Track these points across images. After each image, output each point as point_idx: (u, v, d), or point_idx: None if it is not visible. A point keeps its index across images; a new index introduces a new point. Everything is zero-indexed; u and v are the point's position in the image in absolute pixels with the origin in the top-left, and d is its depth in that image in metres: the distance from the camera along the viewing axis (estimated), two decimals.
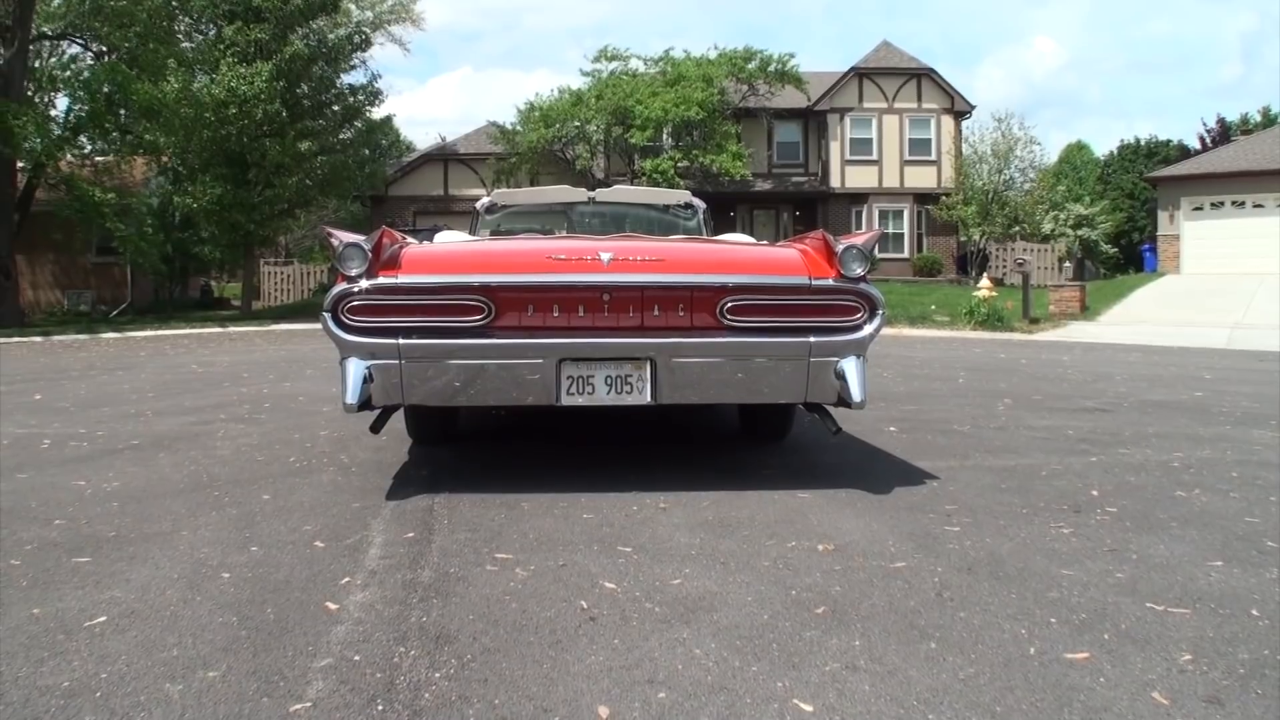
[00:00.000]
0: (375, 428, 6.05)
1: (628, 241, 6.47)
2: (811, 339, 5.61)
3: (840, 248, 5.58)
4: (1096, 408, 9.51)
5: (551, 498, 5.69)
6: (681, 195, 9.75)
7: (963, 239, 42.90)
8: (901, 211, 43.94)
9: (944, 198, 41.09)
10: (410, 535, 4.96)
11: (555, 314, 5.64)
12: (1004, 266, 40.50)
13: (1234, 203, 36.68)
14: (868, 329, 5.64)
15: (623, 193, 10.08)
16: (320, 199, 34.82)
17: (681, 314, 5.65)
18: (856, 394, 5.62)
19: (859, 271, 5.59)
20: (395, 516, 5.34)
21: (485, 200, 9.72)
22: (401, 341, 5.50)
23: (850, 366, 5.64)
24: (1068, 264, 31.77)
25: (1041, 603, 3.95)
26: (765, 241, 7.19)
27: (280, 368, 14.21)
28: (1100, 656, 3.42)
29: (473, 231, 9.53)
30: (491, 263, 5.82)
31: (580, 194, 9.70)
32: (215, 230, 30.17)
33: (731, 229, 43.43)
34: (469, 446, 7.12)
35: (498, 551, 4.66)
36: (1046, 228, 42.45)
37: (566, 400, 5.66)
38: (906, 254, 43.63)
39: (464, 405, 5.99)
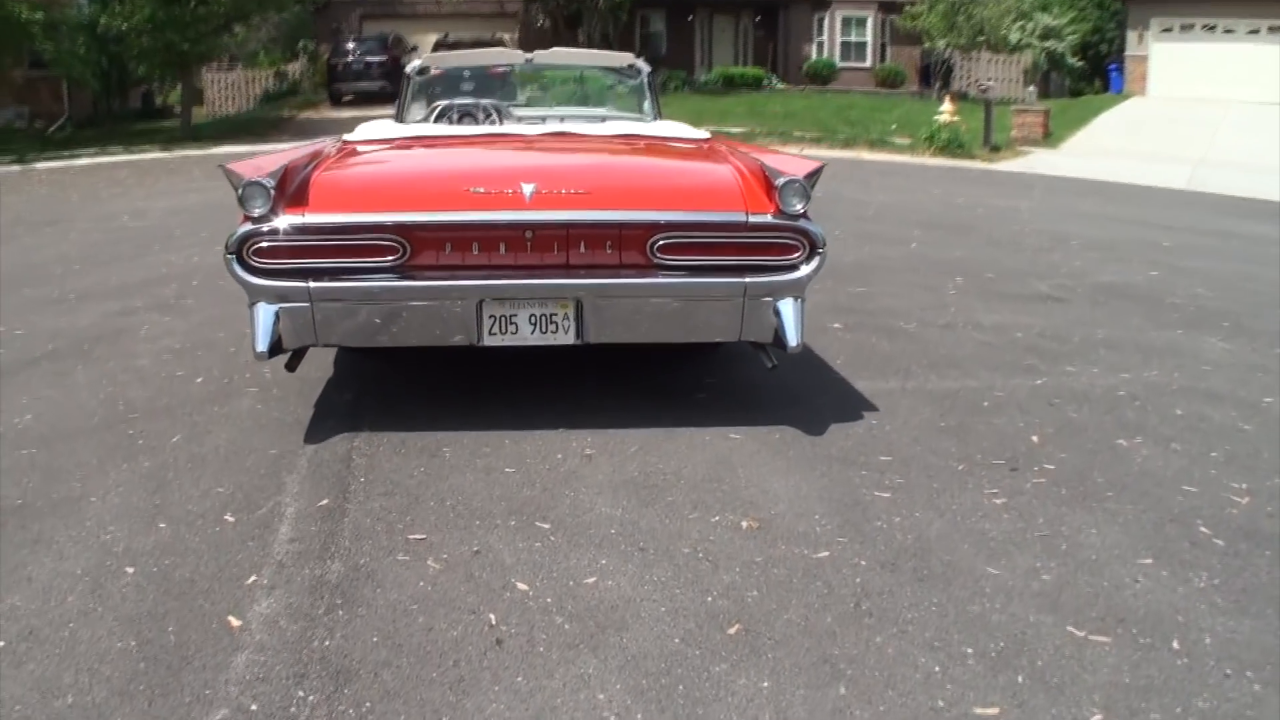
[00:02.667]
0: (291, 366, 5.80)
1: (556, 155, 6.22)
2: (747, 279, 5.37)
3: (780, 181, 5.30)
4: (1049, 294, 9.31)
5: (475, 439, 5.51)
6: (624, 58, 9.32)
7: (927, 47, 42.05)
8: (865, 19, 43.01)
9: (908, 7, 40.13)
10: (325, 503, 4.79)
11: (475, 252, 5.38)
12: (968, 77, 39.81)
13: (1205, 27, 36.10)
14: (806, 269, 5.40)
15: (562, 55, 9.78)
16: (260, 11, 33.47)
17: (610, 252, 5.39)
18: (792, 337, 5.42)
19: (799, 208, 5.32)
20: (311, 471, 5.15)
21: (416, 63, 9.25)
22: (312, 284, 5.24)
23: (787, 309, 5.42)
24: (1031, 89, 31.15)
25: (962, 622, 3.82)
26: (698, 139, 6.84)
27: (213, 220, 13.64)
28: (1010, 711, 3.28)
29: (403, 97, 9.06)
30: (406, 197, 5.51)
31: (518, 56, 9.30)
32: (147, 50, 28.96)
33: (690, 35, 42.66)
34: (394, 360, 6.86)
35: (412, 531, 4.49)
36: (1013, 38, 41.63)
37: (489, 340, 5.44)
38: (869, 64, 42.88)
39: (384, 346, 5.75)
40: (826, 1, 42.67)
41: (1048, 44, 41.73)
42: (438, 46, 34.76)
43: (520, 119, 8.70)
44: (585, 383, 6.36)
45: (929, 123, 24.75)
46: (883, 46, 43.21)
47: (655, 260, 5.36)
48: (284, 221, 5.23)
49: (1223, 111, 30.04)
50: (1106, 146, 25.26)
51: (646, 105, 8.63)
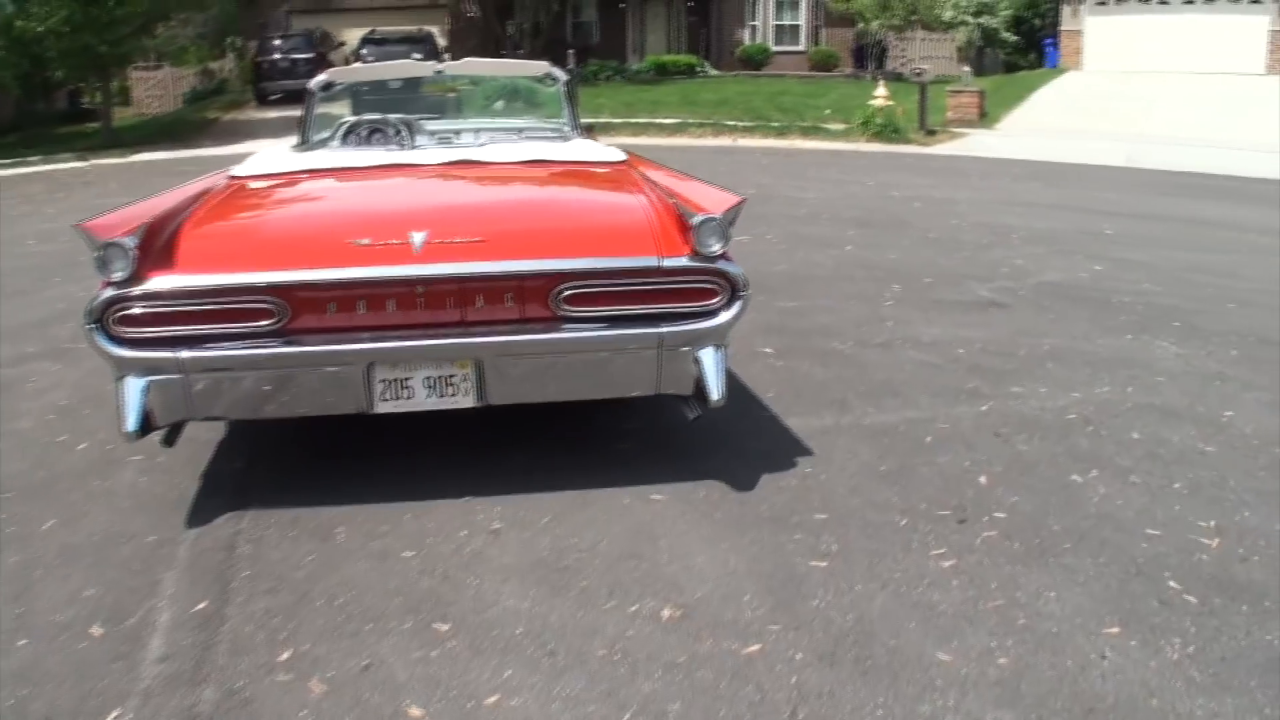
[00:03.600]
0: (168, 441, 5.28)
1: (453, 193, 5.79)
2: (663, 329, 4.91)
3: (695, 221, 4.83)
4: (991, 300, 8.91)
5: (373, 515, 5.02)
6: (540, 67, 8.86)
7: (860, 28, 41.68)
8: (798, 2, 42.64)
9: None
10: (203, 606, 4.28)
11: (362, 312, 4.90)
12: (903, 58, 39.46)
13: None
14: (726, 315, 4.95)
15: (474, 66, 9.29)
16: (180, 9, 32.61)
17: (510, 305, 4.92)
18: (714, 389, 4.96)
19: (716, 249, 4.86)
20: (191, 563, 4.64)
21: (320, 78, 8.70)
22: (183, 354, 4.73)
23: (708, 358, 4.96)
24: (967, 69, 30.81)
25: None
26: (612, 162, 6.36)
27: None
28: None
29: (306, 116, 8.51)
30: (282, 254, 4.98)
31: (426, 69, 8.80)
32: (65, 53, 28.10)
33: (622, 24, 42.16)
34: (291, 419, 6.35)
35: (296, 640, 4.00)
36: (947, 15, 41.34)
37: (382, 407, 4.97)
38: (803, 47, 42.55)
39: (268, 417, 5.25)
40: None
41: (981, 20, 41.51)
42: (365, 42, 34.14)
43: (433, 134, 8.28)
44: (496, 438, 5.86)
45: (864, 107, 24.37)
46: (816, 29, 42.84)
47: (561, 312, 4.90)
48: (149, 285, 4.72)
49: (1159, 84, 29.82)
50: (1043, 125, 25.00)
51: (565, 115, 8.21)
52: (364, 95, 8.95)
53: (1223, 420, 6.02)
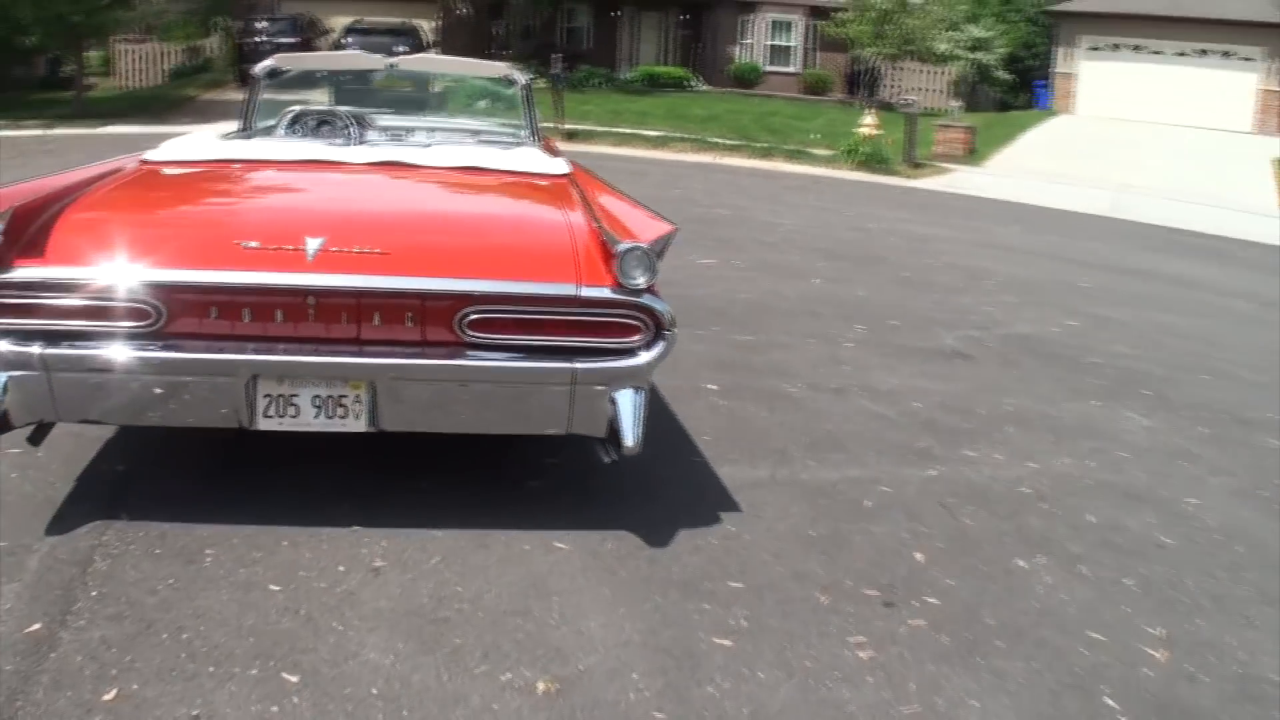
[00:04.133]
0: (34, 440, 4.76)
1: (368, 197, 5.30)
2: (577, 364, 4.42)
3: (620, 249, 4.34)
4: (956, 350, 8.45)
5: (249, 537, 4.53)
6: (499, 68, 8.47)
7: (854, 54, 41.27)
8: (792, 24, 42.22)
9: (836, 13, 39.30)
10: (36, 628, 3.79)
11: (246, 321, 4.40)
12: (895, 87, 39.08)
13: (1133, 47, 35.68)
14: (647, 355, 4.46)
15: (429, 62, 8.99)
16: None
17: (410, 326, 4.43)
18: (629, 434, 4.47)
19: (641, 281, 4.36)
20: (39, 577, 4.14)
21: (267, 63, 8.25)
22: (45, 350, 4.23)
23: (625, 401, 4.48)
24: (957, 103, 30.42)
25: None
26: (552, 175, 5.89)
27: None
28: None
29: (249, 102, 8.11)
30: (162, 251, 4.48)
31: (377, 61, 8.32)
32: (36, 21, 27.47)
33: (614, 31, 41.71)
34: None
35: (126, 678, 3.51)
36: (941, 48, 40.95)
37: (264, 424, 4.47)
38: (796, 69, 42.13)
39: (140, 425, 4.76)
40: (754, 4, 41.83)
41: (976, 55, 41.14)
42: (348, 31, 33.61)
43: (385, 130, 7.89)
44: (400, 463, 5.35)
45: (850, 135, 23.94)
46: (809, 52, 42.44)
47: (465, 338, 4.42)
48: (9, 274, 4.23)
49: (1148, 134, 29.59)
50: (1030, 166, 24.62)
51: (522, 119, 7.83)
52: (313, 84, 8.64)
53: (1186, 508, 5.58)
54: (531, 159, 6.27)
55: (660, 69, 39.83)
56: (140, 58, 37.91)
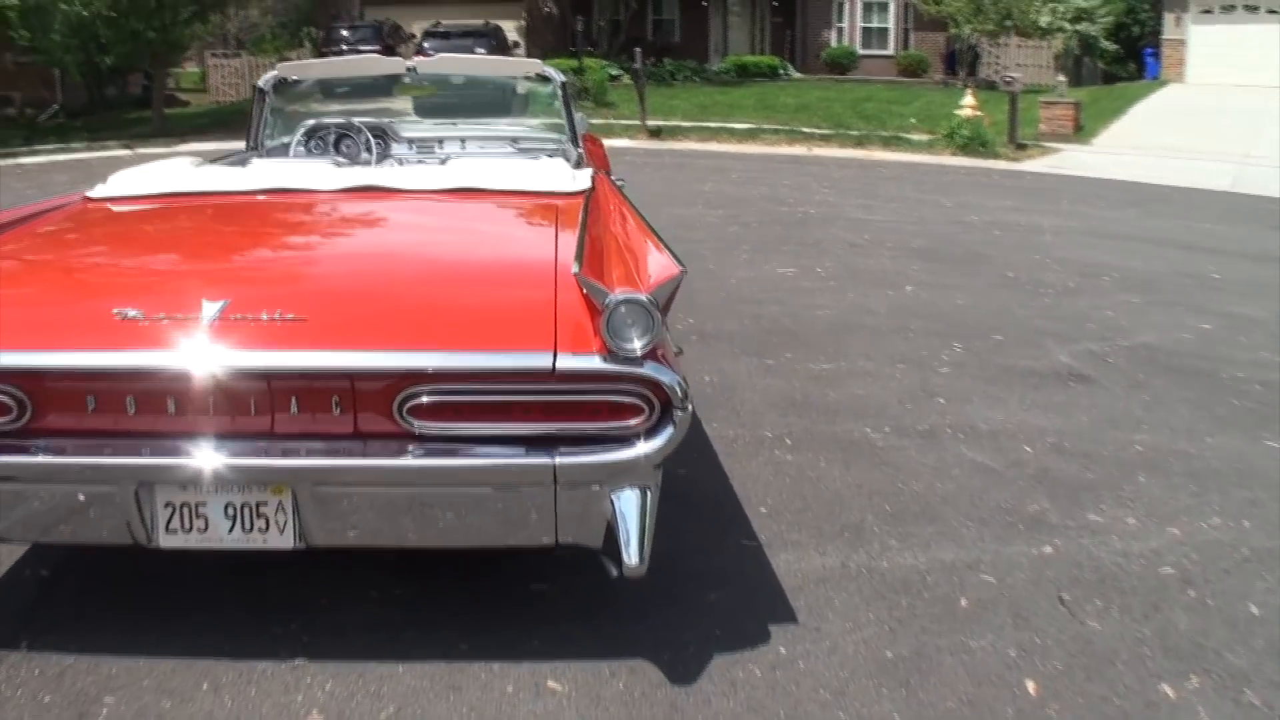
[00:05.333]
0: None
1: (299, 249, 4.29)
2: (558, 458, 3.28)
3: (608, 301, 3.18)
4: (1072, 369, 7.15)
5: (163, 677, 3.54)
6: (530, 66, 7.45)
7: (952, 33, 39.67)
8: (887, 4, 40.89)
9: None
10: None
11: (131, 412, 3.32)
12: (995, 64, 37.43)
13: (1246, 7, 33.70)
14: (651, 444, 3.30)
15: (453, 63, 8.01)
16: None
17: (337, 414, 3.32)
18: (632, 553, 3.33)
19: (638, 345, 3.20)
20: None
21: (270, 76, 7.36)
22: None
23: (629, 504, 3.34)
24: (1062, 79, 28.70)
25: None
26: (565, 194, 4.81)
27: None
28: None
29: (256, 119, 7.25)
30: (27, 327, 3.44)
31: (396, 66, 7.43)
32: (113, 39, 27.09)
33: (704, 22, 40.62)
34: None
35: None
36: (1043, 21, 39.18)
37: (168, 540, 3.43)
38: (891, 51, 40.79)
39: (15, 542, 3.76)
40: None
41: (1079, 27, 39.34)
42: (426, 35, 32.78)
43: (412, 142, 7.20)
44: (371, 570, 4.26)
45: (949, 117, 22.55)
46: (906, 32, 41.00)
47: (408, 427, 3.30)
48: None
49: (1266, 100, 27.68)
50: (1142, 141, 23.02)
51: (561, 122, 7.00)
52: (328, 94, 7.99)
53: None
54: (549, 173, 5.17)
55: (751, 58, 38.66)
56: (232, 72, 37.94)
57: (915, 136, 23.39)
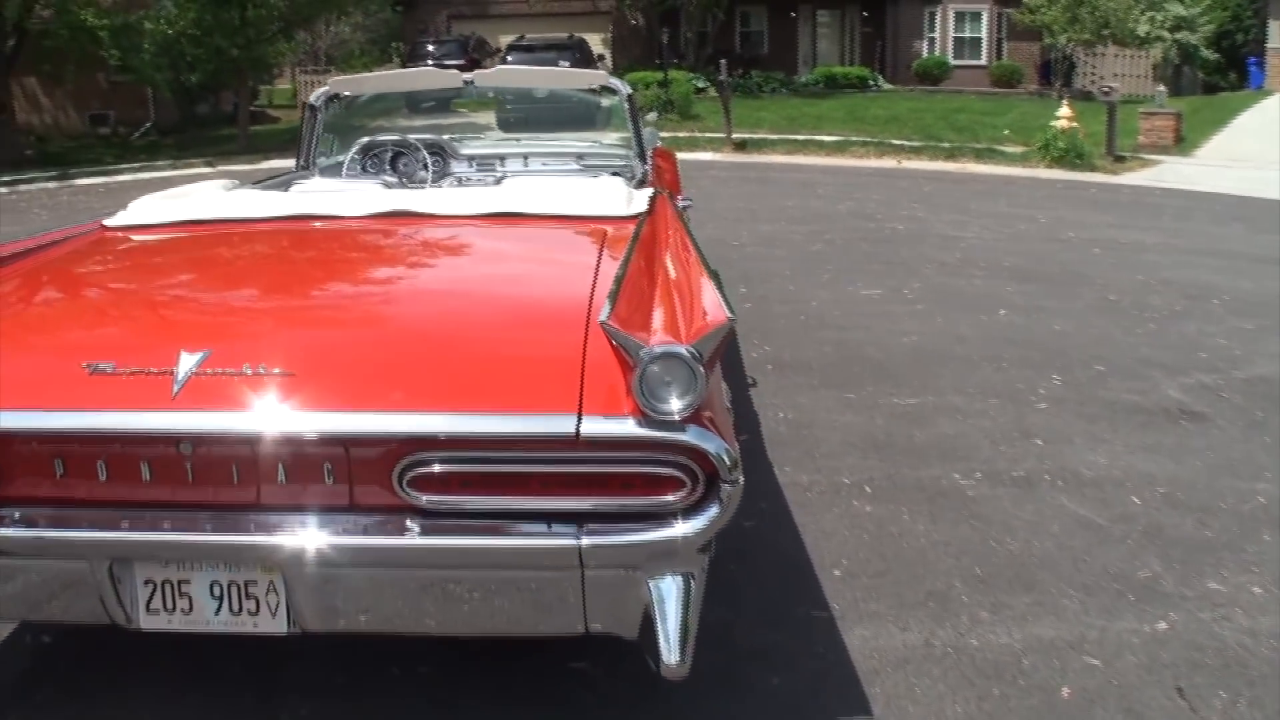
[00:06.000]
0: None
1: (299, 288, 3.82)
2: (584, 539, 2.76)
3: (645, 354, 2.66)
4: (1181, 406, 6.52)
5: None
6: (595, 77, 7.00)
7: (1047, 42, 38.79)
8: (980, 14, 40.09)
9: (1027, 0, 36.91)
10: None
11: (102, 479, 2.90)
12: (1091, 75, 36.50)
13: None
14: (692, 524, 2.76)
15: (513, 75, 7.57)
16: (329, 12, 31.61)
17: (331, 483, 2.83)
18: (671, 651, 2.80)
19: (675, 407, 2.67)
20: None
21: (322, 91, 6.96)
22: None
23: (668, 594, 2.81)
24: (1161, 89, 27.77)
25: None
26: (616, 218, 4.30)
27: None
28: None
29: (306, 137, 6.88)
30: None
31: (453, 79, 6.90)
32: (199, 57, 27.20)
33: (793, 33, 40.06)
34: None
35: None
36: (1142, 30, 38.20)
37: (149, 621, 2.99)
38: (984, 61, 40.00)
39: None
40: None
41: (1179, 36, 38.40)
42: (511, 49, 32.48)
43: (473, 159, 6.86)
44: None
45: (1044, 129, 21.81)
46: (999, 42, 40.19)
47: (409, 500, 2.80)
48: None
49: None
50: (1247, 153, 22.10)
51: (628, 136, 6.54)
52: (382, 109, 8.07)
53: None
54: (603, 195, 4.63)
55: (840, 69, 38.08)
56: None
57: (1009, 149, 22.66)
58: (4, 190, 20.55)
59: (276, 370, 2.86)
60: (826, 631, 3.93)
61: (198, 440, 2.82)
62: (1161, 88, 28.06)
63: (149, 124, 33.75)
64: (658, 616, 2.80)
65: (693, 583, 2.82)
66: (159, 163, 24.68)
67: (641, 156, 6.42)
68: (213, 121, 35.38)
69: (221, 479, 2.87)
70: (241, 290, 3.73)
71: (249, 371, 2.85)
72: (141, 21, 26.37)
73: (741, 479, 2.76)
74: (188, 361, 2.86)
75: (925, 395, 6.65)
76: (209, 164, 24.41)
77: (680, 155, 9.54)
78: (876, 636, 3.89)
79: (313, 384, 2.85)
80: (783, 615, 4.04)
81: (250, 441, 2.81)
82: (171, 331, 3.21)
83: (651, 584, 2.81)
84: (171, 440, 2.83)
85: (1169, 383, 6.92)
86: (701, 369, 2.64)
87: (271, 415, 2.78)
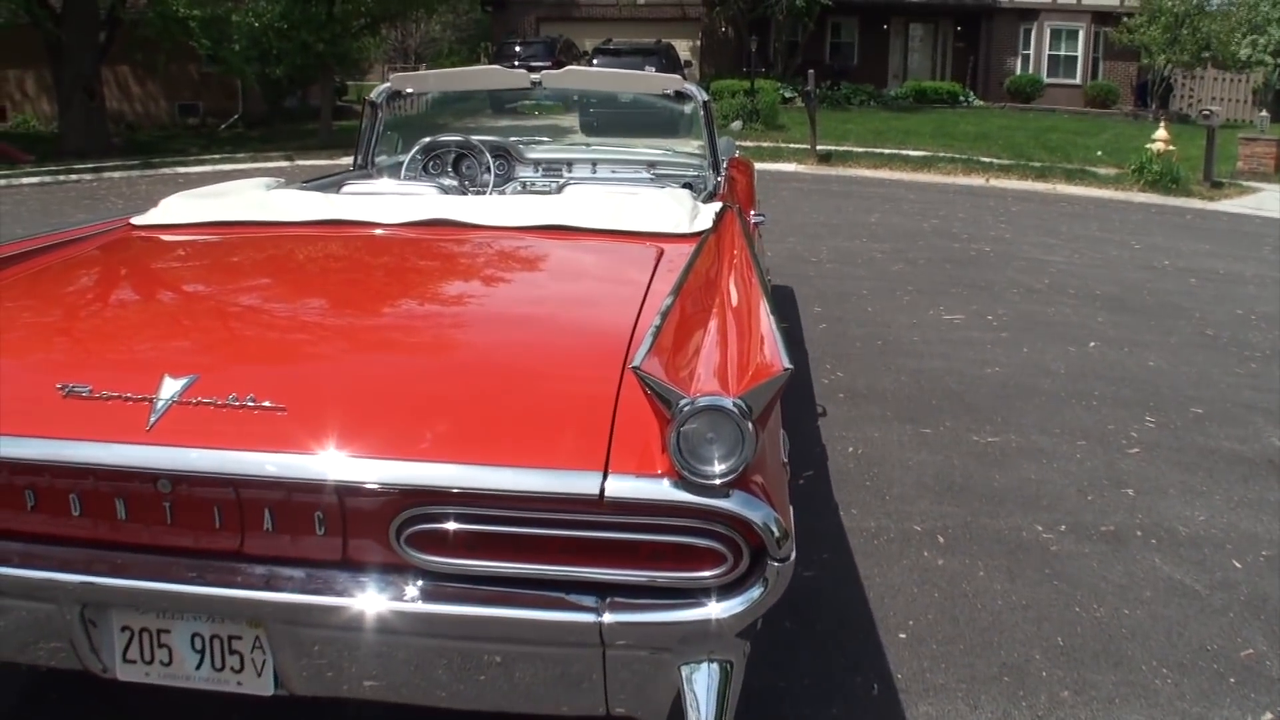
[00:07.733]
0: None
1: (307, 307, 3.46)
2: (606, 615, 2.38)
3: (684, 406, 2.26)
4: None
5: None
6: (668, 81, 6.57)
7: (1145, 63, 37.87)
8: (1076, 32, 39.25)
9: (1125, 19, 36.03)
10: None
11: (75, 516, 2.57)
12: (1189, 97, 35.60)
13: None
14: (730, 605, 2.37)
15: (583, 77, 7.19)
16: (417, 9, 31.53)
17: (322, 534, 2.48)
18: None
19: (718, 472, 2.28)
20: None
21: (384, 88, 6.68)
22: None
23: (700, 684, 2.42)
24: (1263, 114, 26.89)
25: None
26: (675, 236, 3.91)
27: None
28: None
29: (366, 135, 6.61)
30: None
31: (520, 78, 6.55)
32: (284, 51, 27.15)
33: (884, 46, 39.52)
34: None
35: None
36: (1243, 53, 37.19)
37: (125, 672, 2.65)
38: (1079, 81, 39.16)
39: None
40: (1035, 11, 38.95)
41: None
42: (597, 52, 32.17)
43: (538, 163, 6.68)
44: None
45: (1139, 151, 21.14)
46: (1095, 61, 39.34)
47: (406, 558, 2.43)
48: None
49: None
50: None
51: (703, 145, 6.24)
52: (446, 109, 7.57)
53: None
54: (665, 209, 4.18)
55: (930, 84, 37.48)
56: None
57: (1101, 170, 22.00)
58: (89, 177, 20.57)
59: (266, 403, 2.50)
60: (888, 708, 3.52)
61: (175, 478, 2.47)
62: (1263, 113, 27.20)
63: (236, 116, 33.92)
64: (688, 706, 2.41)
65: (730, 671, 2.43)
66: (240, 155, 24.64)
67: (715, 167, 6.08)
68: (300, 116, 35.47)
69: (202, 522, 2.53)
70: (247, 305, 3.39)
71: (235, 403, 2.50)
72: (230, 13, 26.34)
73: (793, 555, 2.37)
74: (170, 388, 2.52)
75: (1007, 433, 6.20)
76: (288, 158, 24.32)
77: (762, 166, 9.16)
78: (943, 716, 3.46)
79: (303, 421, 2.49)
80: (839, 686, 3.63)
81: (231, 483, 2.46)
82: (160, 353, 2.86)
83: (683, 669, 2.42)
84: (148, 477, 2.48)
85: (1273, 430, 6.43)
86: (750, 426, 2.24)
87: (253, 454, 2.43)
